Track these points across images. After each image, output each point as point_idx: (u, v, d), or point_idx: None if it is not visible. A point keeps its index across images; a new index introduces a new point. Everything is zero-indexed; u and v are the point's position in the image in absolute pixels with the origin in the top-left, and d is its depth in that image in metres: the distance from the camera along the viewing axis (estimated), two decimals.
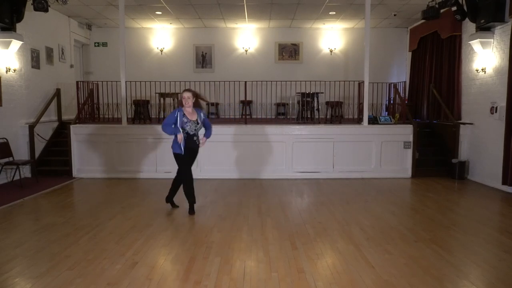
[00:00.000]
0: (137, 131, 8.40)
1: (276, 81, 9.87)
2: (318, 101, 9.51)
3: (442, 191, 7.13)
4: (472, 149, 8.21)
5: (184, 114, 5.31)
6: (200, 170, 8.21)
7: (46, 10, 7.27)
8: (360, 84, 8.80)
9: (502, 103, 7.16)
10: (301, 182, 7.96)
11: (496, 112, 7.36)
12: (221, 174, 8.18)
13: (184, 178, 5.51)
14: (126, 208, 5.90)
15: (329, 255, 4.09)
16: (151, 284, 3.40)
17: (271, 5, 9.51)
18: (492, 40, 7.53)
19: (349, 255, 4.04)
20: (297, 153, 8.31)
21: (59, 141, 9.05)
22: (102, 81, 9.38)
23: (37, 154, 8.46)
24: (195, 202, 5.62)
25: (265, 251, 4.16)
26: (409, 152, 8.35)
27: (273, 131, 8.33)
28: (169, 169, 8.25)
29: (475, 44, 7.73)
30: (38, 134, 8.50)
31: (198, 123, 5.37)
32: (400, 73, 12.03)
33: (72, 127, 8.37)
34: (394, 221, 5.26)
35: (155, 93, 9.65)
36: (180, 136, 5.24)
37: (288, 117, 10.73)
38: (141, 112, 9.41)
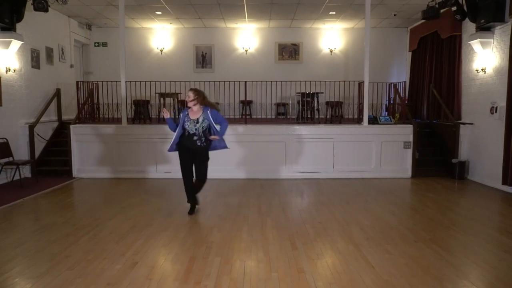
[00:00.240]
0: (137, 131, 8.40)
1: (276, 81, 9.87)
2: (318, 101, 9.51)
3: (442, 191, 7.13)
4: (472, 149, 8.21)
5: (188, 113, 5.30)
6: None
7: (46, 10, 7.27)
8: (360, 84, 8.80)
9: (502, 103, 7.16)
10: (301, 182, 7.96)
11: (496, 112, 7.36)
12: (221, 174, 8.17)
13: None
14: (126, 208, 5.90)
15: (329, 255, 4.09)
16: (151, 284, 3.40)
17: (271, 5, 9.51)
18: (492, 40, 7.53)
19: (349, 255, 4.04)
20: (297, 153, 8.31)
21: (59, 141, 9.05)
22: (102, 81, 9.38)
23: (37, 154, 8.46)
24: (194, 203, 5.62)
25: (265, 251, 4.16)
26: (409, 152, 8.35)
27: (273, 131, 8.33)
28: (169, 169, 8.28)
29: (475, 44, 7.73)
30: (38, 134, 8.50)
31: (198, 122, 5.22)
32: (400, 73, 12.02)
33: (72, 127, 8.37)
34: (394, 221, 5.26)
35: (155, 93, 9.65)
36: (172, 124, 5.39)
37: (288, 117, 10.73)
38: (141, 112, 9.41)
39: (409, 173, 8.35)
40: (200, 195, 6.81)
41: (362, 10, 9.03)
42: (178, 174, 8.13)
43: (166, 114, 5.34)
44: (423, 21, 9.65)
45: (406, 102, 9.84)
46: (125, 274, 3.59)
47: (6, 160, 7.49)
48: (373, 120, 8.65)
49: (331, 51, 11.97)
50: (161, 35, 11.95)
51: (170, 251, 4.19)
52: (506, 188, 7.01)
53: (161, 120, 9.37)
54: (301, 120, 9.15)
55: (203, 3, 9.35)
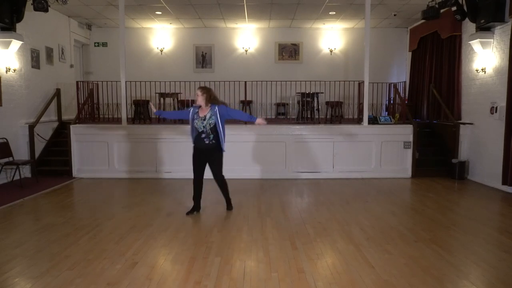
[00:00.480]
0: (137, 131, 8.40)
1: (276, 81, 9.87)
2: (318, 101, 9.51)
3: (442, 191, 7.13)
4: (472, 149, 8.21)
5: (197, 111, 5.29)
6: None
7: (46, 10, 7.28)
8: (360, 84, 8.80)
9: (502, 103, 7.16)
10: (301, 182, 7.96)
11: (496, 112, 7.36)
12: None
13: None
14: (126, 208, 5.90)
15: (329, 255, 4.09)
16: (151, 284, 3.40)
17: (271, 5, 9.51)
18: (492, 40, 7.53)
19: (349, 255, 4.04)
20: (297, 153, 8.31)
21: (59, 141, 9.04)
22: (102, 81, 9.38)
23: (37, 154, 8.46)
24: (196, 205, 5.61)
25: (265, 251, 4.16)
26: (409, 152, 8.34)
27: (273, 131, 8.33)
28: (169, 169, 8.29)
29: (475, 44, 7.72)
30: (38, 134, 8.50)
31: (205, 119, 5.19)
32: (400, 73, 12.02)
33: (72, 127, 8.37)
34: (394, 221, 5.26)
35: (155, 93, 9.65)
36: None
37: (288, 117, 10.73)
38: (141, 112, 9.41)
39: (409, 173, 8.35)
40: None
41: (362, 10, 9.02)
42: (178, 174, 8.24)
43: (154, 109, 5.53)
44: (423, 21, 9.64)
45: (406, 102, 9.84)
46: (125, 274, 3.59)
47: (6, 160, 7.49)
48: (373, 120, 8.65)
49: (331, 51, 11.97)
50: (161, 35, 11.95)
51: (170, 251, 4.19)
52: (506, 188, 7.01)
53: (161, 120, 9.37)
54: (301, 120, 9.15)
55: (203, 3, 9.35)
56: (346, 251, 4.17)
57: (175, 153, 8.27)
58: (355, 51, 11.68)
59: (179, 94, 9.71)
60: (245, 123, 8.74)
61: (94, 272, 3.63)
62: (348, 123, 9.06)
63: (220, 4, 9.41)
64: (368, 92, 8.41)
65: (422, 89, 10.44)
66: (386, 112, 10.63)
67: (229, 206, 5.79)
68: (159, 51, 11.97)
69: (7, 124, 7.82)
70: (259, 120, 5.35)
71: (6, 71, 7.78)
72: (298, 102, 9.52)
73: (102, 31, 11.88)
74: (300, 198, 6.83)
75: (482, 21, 7.35)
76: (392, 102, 10.02)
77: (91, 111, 9.34)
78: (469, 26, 8.17)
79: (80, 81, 9.54)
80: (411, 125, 8.38)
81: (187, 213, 5.55)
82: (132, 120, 9.29)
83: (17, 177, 7.61)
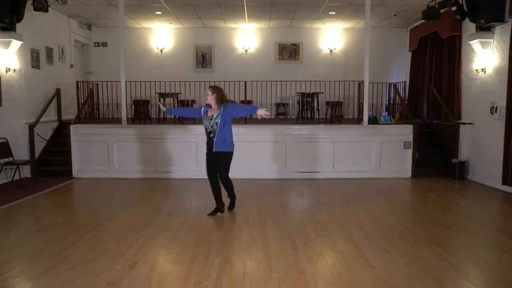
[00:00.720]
0: (137, 131, 8.40)
1: (276, 81, 9.86)
2: (318, 101, 9.50)
3: (442, 191, 7.13)
4: (472, 149, 8.21)
5: (207, 110, 5.28)
6: (200, 170, 8.21)
7: (46, 10, 7.27)
8: (360, 84, 8.80)
9: (502, 103, 7.16)
10: (301, 182, 7.96)
11: (496, 112, 7.36)
12: None
13: None
14: (126, 208, 5.90)
15: (329, 255, 4.09)
16: (151, 284, 3.40)
17: (271, 5, 9.51)
18: (492, 40, 7.53)
19: (349, 255, 4.04)
20: (297, 153, 8.30)
21: (59, 141, 9.04)
22: (102, 81, 9.38)
23: (37, 154, 8.45)
24: (217, 206, 5.53)
25: (265, 251, 4.16)
26: (409, 152, 8.34)
27: (273, 131, 8.33)
28: (169, 169, 8.29)
29: (475, 44, 7.72)
30: (38, 134, 8.50)
31: (212, 119, 5.17)
32: (400, 73, 12.03)
33: (72, 127, 8.37)
34: (394, 221, 5.26)
35: (155, 93, 9.65)
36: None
37: (288, 117, 10.73)
38: (141, 112, 9.41)
39: (409, 173, 8.35)
40: (200, 195, 6.84)
41: (362, 10, 9.02)
42: (178, 174, 8.24)
43: (163, 107, 5.55)
44: (423, 21, 9.64)
45: (406, 102, 9.84)
46: (125, 274, 3.59)
47: (6, 160, 7.48)
48: (373, 120, 8.65)
49: (331, 51, 11.97)
50: (161, 35, 11.95)
51: (170, 251, 4.19)
52: (506, 188, 7.01)
53: (161, 120, 9.37)
54: (301, 120, 9.15)
55: (203, 3, 9.35)
56: (346, 251, 4.17)
57: (175, 153, 8.28)
58: (355, 51, 11.68)
59: (179, 94, 9.71)
60: (245, 123, 8.76)
61: (94, 272, 3.63)
62: (348, 123, 9.06)
63: (220, 4, 9.41)
64: (368, 92, 8.41)
65: (422, 89, 10.44)
66: (386, 112, 10.63)
67: (230, 206, 5.73)
68: (159, 51, 11.97)
69: (7, 124, 7.82)
70: (260, 111, 5.18)
71: (6, 71, 7.78)
72: (298, 102, 9.52)
73: (102, 31, 11.88)
74: (300, 198, 6.83)
75: (482, 21, 7.35)
76: (392, 102, 10.03)
77: (91, 111, 9.34)
78: (469, 26, 8.17)
79: (80, 81, 9.55)
80: (411, 125, 8.37)
81: (209, 214, 5.46)
82: (132, 120, 9.29)
83: (17, 177, 7.61)
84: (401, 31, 11.85)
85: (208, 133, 5.27)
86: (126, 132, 8.37)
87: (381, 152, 8.34)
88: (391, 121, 8.80)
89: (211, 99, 5.21)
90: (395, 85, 9.40)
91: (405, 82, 10.50)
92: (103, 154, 8.35)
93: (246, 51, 12.00)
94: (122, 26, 8.40)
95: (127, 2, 8.68)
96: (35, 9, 7.17)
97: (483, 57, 7.78)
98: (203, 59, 12.05)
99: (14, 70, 7.99)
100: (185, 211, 5.66)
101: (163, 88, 9.66)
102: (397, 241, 4.47)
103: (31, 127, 8.24)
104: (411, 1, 8.93)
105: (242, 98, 9.50)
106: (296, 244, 4.35)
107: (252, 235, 4.69)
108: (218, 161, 5.29)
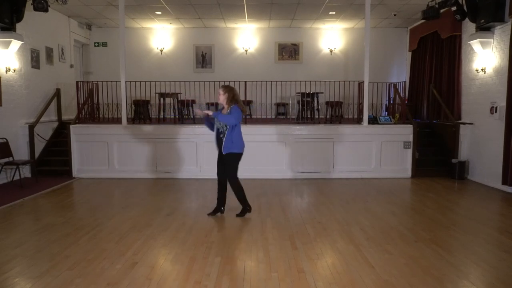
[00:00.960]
0: (137, 131, 8.40)
1: (276, 81, 9.86)
2: (318, 101, 9.50)
3: (442, 191, 7.13)
4: (472, 149, 8.21)
5: (221, 110, 5.31)
6: (200, 170, 8.22)
7: (46, 10, 7.27)
8: (360, 84, 8.79)
9: (502, 103, 7.16)
10: (301, 182, 7.95)
11: (496, 112, 7.36)
12: None
13: None
14: (126, 208, 5.90)
15: (329, 255, 4.09)
16: (151, 284, 3.39)
17: (271, 5, 9.51)
18: (492, 40, 7.53)
19: (349, 255, 4.04)
20: (297, 153, 8.30)
21: (59, 141, 9.04)
22: (102, 81, 9.37)
23: (37, 154, 8.45)
24: (217, 206, 5.49)
25: (265, 251, 4.16)
26: (409, 152, 8.34)
27: (273, 131, 8.33)
28: (169, 169, 8.28)
29: (475, 44, 7.72)
30: (38, 134, 8.50)
31: None
32: (400, 73, 12.02)
33: (72, 127, 8.37)
34: (394, 221, 5.26)
35: (155, 93, 9.64)
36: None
37: (288, 117, 10.73)
38: (141, 112, 9.41)
39: (409, 173, 8.35)
40: (200, 196, 6.84)
41: (362, 10, 9.02)
42: (178, 174, 8.24)
43: (204, 111, 5.29)
44: (423, 21, 9.64)
45: (406, 102, 9.84)
46: (125, 274, 3.59)
47: (6, 160, 7.48)
48: (373, 120, 8.65)
49: (331, 51, 11.97)
50: (161, 35, 11.95)
51: (170, 251, 4.19)
52: (506, 188, 7.01)
53: (161, 120, 9.36)
54: (301, 120, 9.15)
55: (203, 3, 9.35)
56: (346, 251, 4.17)
57: (175, 153, 8.28)
58: (355, 51, 11.67)
59: (179, 94, 9.71)
60: (245, 122, 8.75)
61: (94, 272, 3.63)
62: (348, 123, 9.06)
63: (220, 4, 9.41)
64: (368, 92, 8.41)
65: (422, 89, 10.44)
66: (386, 112, 10.63)
67: (240, 213, 5.41)
68: (159, 51, 11.97)
69: (7, 124, 7.82)
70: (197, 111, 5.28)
71: (6, 71, 7.78)
72: (298, 102, 9.52)
73: (102, 31, 11.88)
74: (300, 198, 6.83)
75: (482, 21, 7.35)
76: (392, 102, 10.02)
77: (91, 111, 9.34)
78: (469, 26, 8.17)
79: (80, 81, 9.54)
80: (411, 125, 8.38)
81: (208, 214, 5.47)
82: (132, 120, 9.28)
83: (17, 177, 7.61)
84: (401, 31, 11.84)
85: (218, 134, 5.26)
86: (126, 132, 8.37)
87: (381, 152, 8.34)
88: (391, 121, 8.80)
89: (222, 99, 5.19)
90: (395, 85, 9.40)
91: (405, 82, 10.50)
92: (103, 154, 8.35)
93: (246, 51, 12.00)
94: (122, 26, 8.40)
95: (127, 2, 8.68)
96: (35, 9, 7.17)
97: (483, 57, 7.78)
98: (203, 59, 12.05)
99: (14, 70, 7.99)
100: (185, 211, 5.66)
101: (163, 88, 9.66)
102: (397, 241, 4.47)
103: (31, 127, 8.24)
104: (411, 1, 8.93)
105: (242, 98, 9.48)
106: (296, 244, 4.35)
107: (252, 235, 4.69)
108: (225, 163, 5.29)
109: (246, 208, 5.43)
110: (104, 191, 7.25)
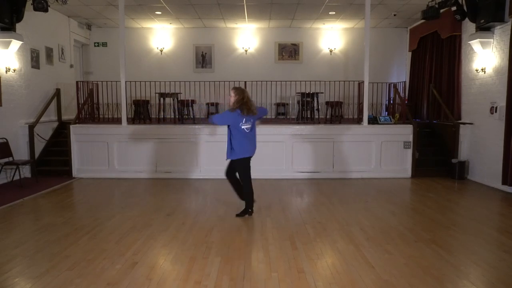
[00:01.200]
0: (137, 131, 8.40)
1: (276, 81, 9.86)
2: (318, 101, 9.50)
3: (442, 191, 7.13)
4: (472, 149, 8.21)
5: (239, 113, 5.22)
6: (200, 170, 8.22)
7: (46, 10, 7.27)
8: (360, 84, 8.79)
9: (502, 103, 7.16)
10: (301, 182, 7.95)
11: (496, 112, 7.36)
12: (221, 174, 8.12)
13: None
14: (126, 208, 5.90)
15: (329, 255, 4.09)
16: (151, 284, 3.39)
17: (271, 5, 9.51)
18: (492, 40, 7.53)
19: (349, 255, 4.04)
20: (297, 153, 8.30)
21: (59, 141, 9.04)
22: (102, 81, 9.37)
23: (37, 154, 8.45)
24: (246, 206, 5.45)
25: (265, 251, 4.16)
26: (409, 152, 8.34)
27: (273, 131, 8.33)
28: (169, 169, 8.28)
29: (475, 44, 7.72)
30: (38, 134, 8.50)
31: None
32: (400, 73, 12.03)
33: (72, 127, 8.36)
34: (394, 221, 5.26)
35: (155, 93, 9.64)
36: None
37: (288, 117, 10.73)
38: (141, 112, 9.41)
39: (409, 173, 8.35)
40: (200, 196, 6.84)
41: (362, 10, 9.02)
42: (178, 174, 8.24)
43: None
44: (423, 21, 9.64)
45: (406, 102, 9.84)
46: (125, 274, 3.59)
47: (6, 160, 7.48)
48: (373, 120, 8.65)
49: (331, 51, 11.97)
50: (161, 35, 11.95)
51: (170, 251, 4.19)
52: (506, 188, 7.01)
53: (161, 120, 9.36)
54: (301, 120, 9.14)
55: (203, 3, 9.35)
56: (346, 251, 4.17)
57: (175, 153, 8.27)
58: (355, 51, 11.68)
59: (179, 94, 9.71)
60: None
61: (94, 272, 3.63)
62: (348, 123, 9.05)
63: (220, 4, 9.41)
64: (368, 92, 8.40)
65: (422, 89, 10.44)
66: (386, 112, 10.63)
67: (240, 213, 5.44)
68: (159, 51, 11.97)
69: (7, 124, 7.82)
70: None
71: (6, 71, 7.78)
72: (298, 102, 9.52)
73: (102, 31, 11.88)
74: (300, 198, 6.83)
75: (482, 21, 7.35)
76: (392, 102, 10.02)
77: (91, 111, 9.34)
78: (469, 26, 8.17)
79: (80, 81, 9.54)
80: (411, 125, 8.37)
81: (236, 215, 5.42)
82: (132, 120, 9.28)
83: (17, 177, 7.61)
84: (401, 31, 11.85)
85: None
86: (126, 132, 8.37)
87: (381, 152, 8.34)
88: (391, 121, 8.80)
89: (232, 101, 5.10)
90: (395, 85, 9.40)
91: (405, 82, 10.50)
92: (103, 154, 8.35)
93: (246, 51, 12.00)
94: (122, 26, 8.40)
95: (127, 2, 8.68)
96: (35, 9, 7.17)
97: (483, 57, 7.78)
98: (203, 59, 12.05)
99: (14, 70, 7.99)
100: (185, 211, 5.66)
101: (163, 88, 9.66)
102: (397, 241, 4.47)
103: (31, 127, 8.24)
104: (411, 1, 8.93)
105: None
106: (296, 244, 4.35)
107: (252, 235, 4.69)
108: (235, 164, 5.32)
109: (247, 210, 5.43)
110: (104, 191, 7.25)
